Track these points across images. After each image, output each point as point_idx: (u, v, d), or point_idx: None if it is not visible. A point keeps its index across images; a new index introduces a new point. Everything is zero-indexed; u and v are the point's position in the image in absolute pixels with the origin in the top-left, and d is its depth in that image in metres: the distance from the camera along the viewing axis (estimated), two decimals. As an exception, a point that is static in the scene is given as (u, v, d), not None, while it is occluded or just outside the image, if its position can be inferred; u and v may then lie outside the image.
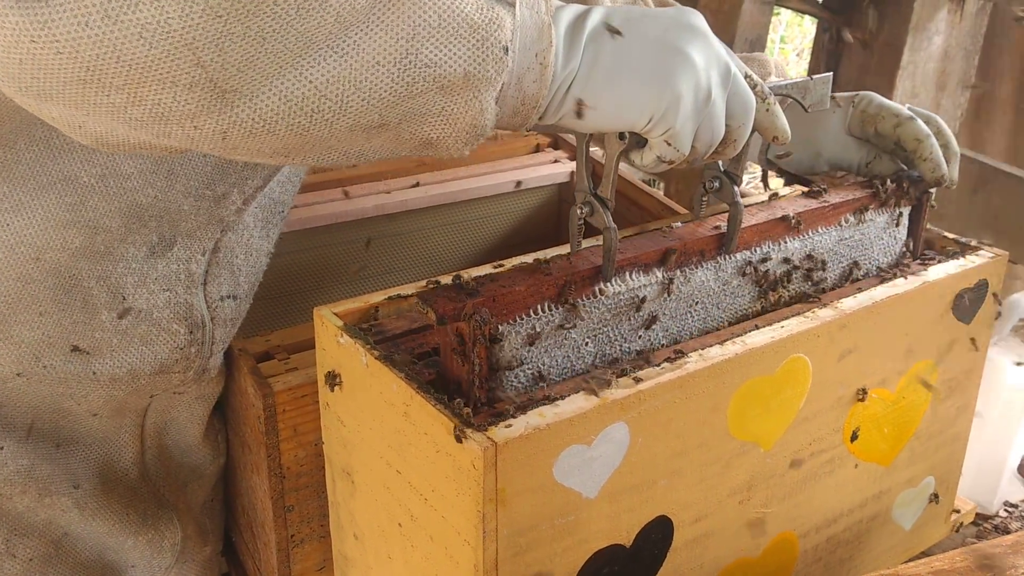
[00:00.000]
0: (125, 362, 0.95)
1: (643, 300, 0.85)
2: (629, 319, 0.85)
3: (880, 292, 0.93)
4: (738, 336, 0.84)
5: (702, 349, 0.81)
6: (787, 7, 2.27)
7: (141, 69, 0.57)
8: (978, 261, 1.01)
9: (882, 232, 1.02)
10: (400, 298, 0.90)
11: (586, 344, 0.82)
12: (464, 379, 0.74)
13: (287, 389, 0.97)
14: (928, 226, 1.06)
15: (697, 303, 0.89)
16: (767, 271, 0.93)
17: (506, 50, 0.66)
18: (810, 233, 0.96)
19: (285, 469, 1.01)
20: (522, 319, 0.78)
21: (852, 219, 0.99)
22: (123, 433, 1.03)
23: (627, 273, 0.84)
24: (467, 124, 0.68)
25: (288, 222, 1.33)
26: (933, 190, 1.04)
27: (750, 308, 0.93)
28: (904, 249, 1.05)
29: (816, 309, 0.89)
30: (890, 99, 1.10)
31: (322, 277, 1.38)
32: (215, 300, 0.98)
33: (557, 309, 0.80)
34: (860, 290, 0.94)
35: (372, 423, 0.82)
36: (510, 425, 0.70)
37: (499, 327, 0.76)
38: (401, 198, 1.41)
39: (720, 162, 0.89)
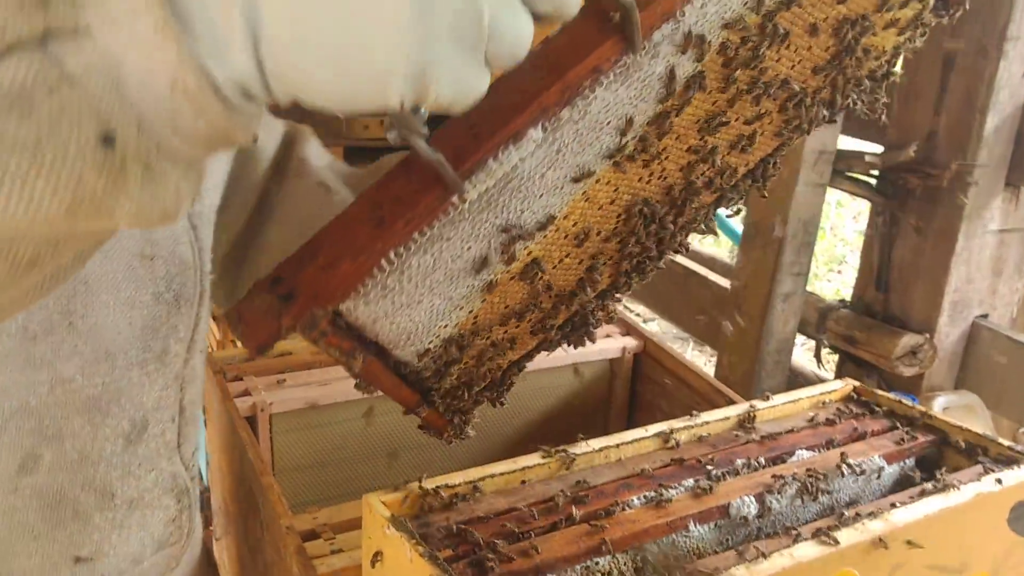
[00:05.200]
0: (128, 554, 0.93)
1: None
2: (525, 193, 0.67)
3: (934, 504, 0.92)
4: (786, 548, 0.83)
5: (749, 562, 0.80)
6: (840, 189, 2.31)
7: None
8: (1035, 471, 0.99)
9: None
10: (448, 487, 0.91)
11: (468, 248, 0.67)
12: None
13: (331, 572, 0.97)
14: (982, 432, 1.05)
15: (608, 123, 0.68)
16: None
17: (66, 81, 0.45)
18: None
19: (325, 654, 1.00)
20: (365, 286, 0.62)
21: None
22: None
23: (489, 160, 0.61)
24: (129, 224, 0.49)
25: (332, 393, 1.36)
26: None
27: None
28: None
29: (866, 521, 0.88)
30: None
31: (371, 446, 1.40)
32: (189, 458, 0.97)
33: (404, 258, 0.63)
34: (912, 499, 0.93)
35: (413, 619, 0.81)
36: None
37: (339, 307, 0.62)
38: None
39: None
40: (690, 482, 0.95)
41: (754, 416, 1.10)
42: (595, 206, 0.76)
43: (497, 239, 0.68)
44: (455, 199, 0.61)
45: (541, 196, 0.68)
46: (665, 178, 0.81)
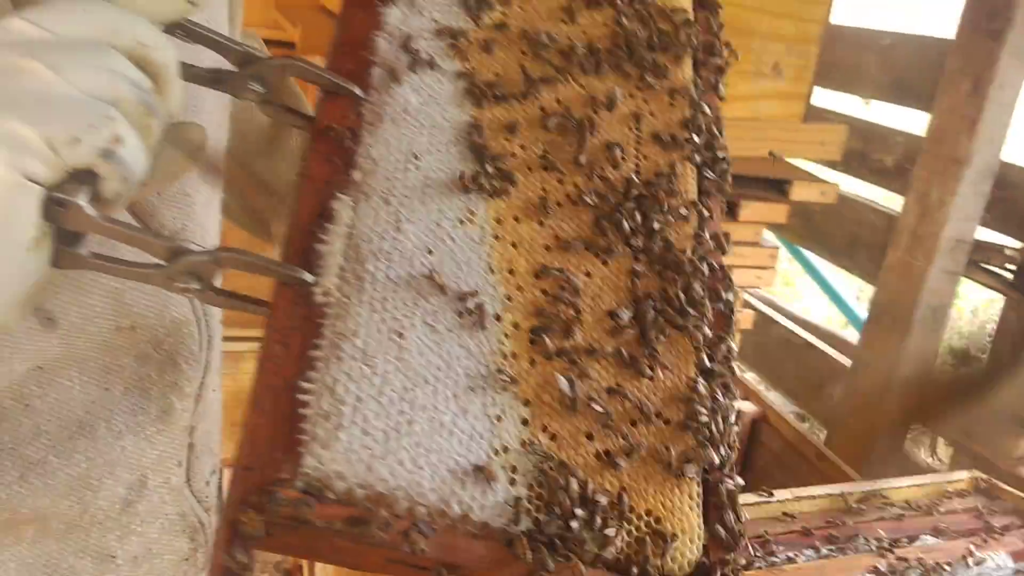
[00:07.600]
0: None
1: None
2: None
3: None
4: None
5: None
6: (975, 280, 2.27)
7: None
8: None
9: None
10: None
11: (398, 335, 0.59)
12: None
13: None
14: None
15: (409, 158, 0.66)
16: None
17: None
18: None
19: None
20: (302, 430, 0.54)
21: None
22: None
23: (317, 246, 0.60)
24: None
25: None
26: None
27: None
28: None
29: (991, 614, 0.88)
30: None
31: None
32: (202, 488, 0.87)
33: (324, 370, 0.56)
34: None
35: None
36: None
37: (302, 465, 0.52)
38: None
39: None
40: (810, 552, 0.96)
41: (879, 495, 1.11)
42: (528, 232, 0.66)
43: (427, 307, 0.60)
44: (317, 292, 0.58)
45: (431, 253, 0.62)
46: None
